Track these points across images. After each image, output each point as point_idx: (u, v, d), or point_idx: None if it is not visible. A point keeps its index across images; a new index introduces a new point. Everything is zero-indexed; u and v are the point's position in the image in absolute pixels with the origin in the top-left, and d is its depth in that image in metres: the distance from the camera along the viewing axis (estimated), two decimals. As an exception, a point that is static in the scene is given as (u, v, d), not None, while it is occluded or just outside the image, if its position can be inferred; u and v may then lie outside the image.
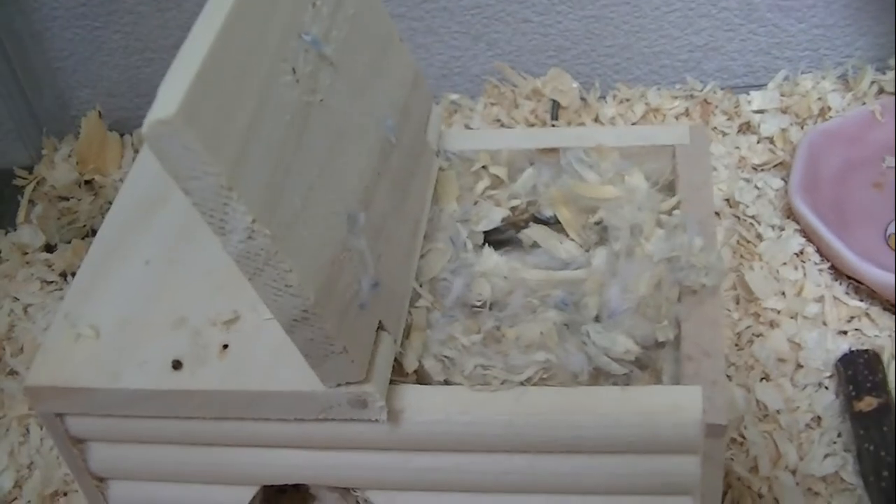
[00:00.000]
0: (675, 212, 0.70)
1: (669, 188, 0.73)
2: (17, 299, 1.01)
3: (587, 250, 0.71)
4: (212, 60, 0.50)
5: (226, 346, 0.64)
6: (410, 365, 0.63)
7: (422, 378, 0.64)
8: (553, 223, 0.74)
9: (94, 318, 0.68)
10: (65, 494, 0.84)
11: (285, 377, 0.61)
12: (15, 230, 1.10)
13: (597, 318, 0.65)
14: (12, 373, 0.95)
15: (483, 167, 0.76)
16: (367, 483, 0.65)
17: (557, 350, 0.62)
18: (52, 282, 1.03)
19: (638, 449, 0.60)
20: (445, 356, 0.63)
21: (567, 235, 0.73)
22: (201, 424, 0.64)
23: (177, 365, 0.63)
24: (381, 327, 0.61)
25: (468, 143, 0.77)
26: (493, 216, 0.72)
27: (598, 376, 0.63)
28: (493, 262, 0.68)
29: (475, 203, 0.73)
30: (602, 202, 0.71)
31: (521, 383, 0.61)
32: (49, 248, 1.07)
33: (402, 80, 0.71)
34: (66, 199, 1.11)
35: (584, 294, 0.66)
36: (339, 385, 0.59)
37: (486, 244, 0.72)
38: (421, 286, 0.67)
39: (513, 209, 0.74)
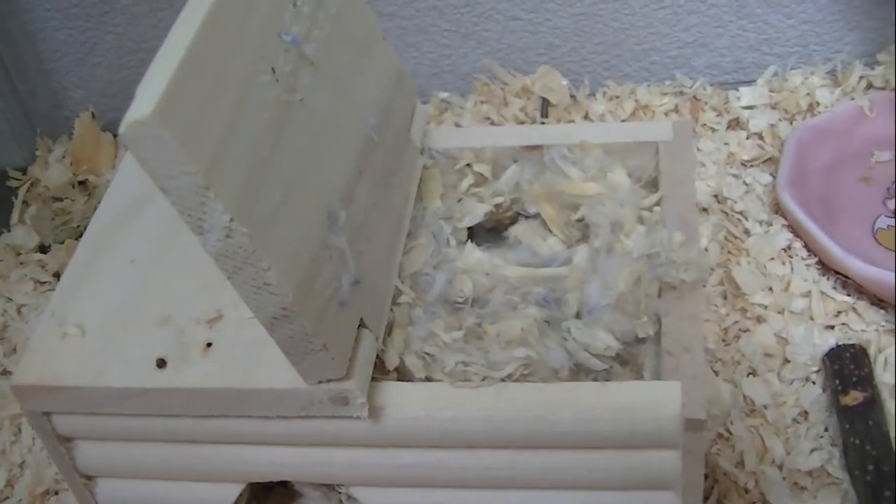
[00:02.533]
0: (657, 208, 0.70)
1: (653, 184, 0.73)
2: (10, 300, 1.02)
3: (570, 247, 0.71)
4: (189, 61, 0.50)
5: (209, 345, 0.64)
6: (392, 362, 0.64)
7: (403, 375, 0.64)
8: (537, 220, 0.74)
9: (80, 317, 0.68)
10: (56, 493, 0.84)
11: (267, 375, 0.61)
12: (9, 231, 1.10)
13: (578, 315, 0.65)
14: (5, 373, 0.95)
15: (467, 165, 0.76)
16: (350, 480, 0.65)
17: (538, 346, 0.62)
18: (45, 282, 1.03)
19: (618, 444, 0.60)
20: (427, 353, 0.63)
21: (551, 232, 0.73)
22: (186, 422, 0.64)
23: (161, 363, 0.64)
24: (362, 325, 0.62)
25: (453, 140, 0.78)
26: (476, 212, 0.72)
27: (579, 372, 0.63)
28: (475, 259, 0.69)
29: (459, 200, 0.74)
30: (584, 199, 0.71)
31: (502, 379, 0.61)
32: (43, 249, 1.08)
33: (385, 78, 0.71)
34: (60, 199, 1.12)
35: (566, 291, 0.66)
36: (320, 382, 0.59)
37: (470, 241, 0.72)
38: (403, 283, 0.68)
39: (497, 206, 0.74)
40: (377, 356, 0.63)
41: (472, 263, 0.68)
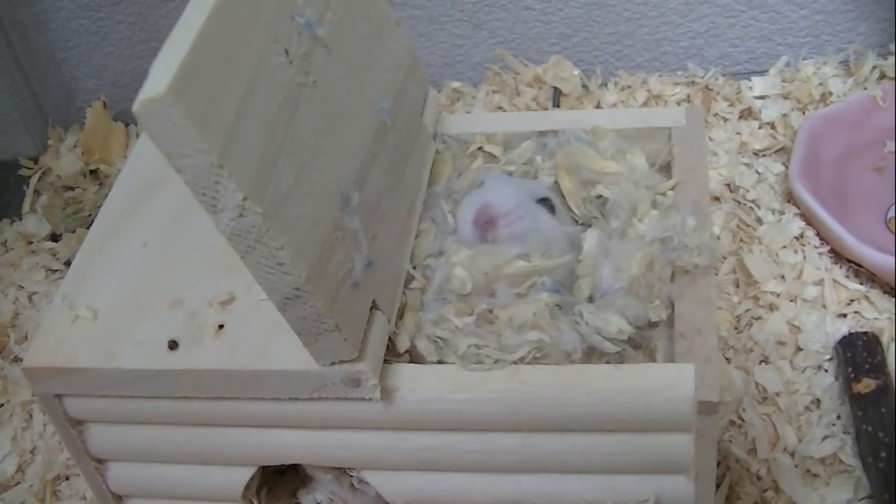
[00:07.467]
0: (670, 192, 0.70)
1: (666, 170, 0.73)
2: (21, 287, 1.02)
3: (584, 224, 0.70)
4: (203, 40, 0.50)
5: (221, 327, 0.64)
6: (403, 345, 0.64)
7: (415, 359, 0.64)
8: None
9: (91, 300, 0.68)
10: (66, 479, 0.85)
11: (279, 356, 0.61)
12: (20, 220, 1.10)
13: (590, 299, 0.65)
14: (17, 360, 0.95)
15: (479, 148, 0.76)
16: (362, 463, 0.65)
17: (550, 330, 0.62)
18: (56, 270, 1.04)
19: (631, 427, 0.60)
20: (439, 337, 0.63)
21: (568, 207, 0.72)
22: (197, 404, 0.64)
23: (173, 345, 0.64)
24: (374, 306, 0.62)
25: (465, 126, 0.78)
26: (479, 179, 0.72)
27: (592, 355, 0.63)
28: (476, 258, 0.67)
29: (459, 175, 0.73)
30: (603, 176, 0.71)
31: (515, 362, 0.61)
32: (54, 238, 1.08)
33: (398, 63, 0.71)
34: (72, 188, 1.12)
35: (578, 276, 0.66)
36: (332, 364, 0.59)
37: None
38: (415, 268, 0.68)
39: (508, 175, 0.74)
40: (389, 340, 0.63)
41: (471, 263, 0.67)
